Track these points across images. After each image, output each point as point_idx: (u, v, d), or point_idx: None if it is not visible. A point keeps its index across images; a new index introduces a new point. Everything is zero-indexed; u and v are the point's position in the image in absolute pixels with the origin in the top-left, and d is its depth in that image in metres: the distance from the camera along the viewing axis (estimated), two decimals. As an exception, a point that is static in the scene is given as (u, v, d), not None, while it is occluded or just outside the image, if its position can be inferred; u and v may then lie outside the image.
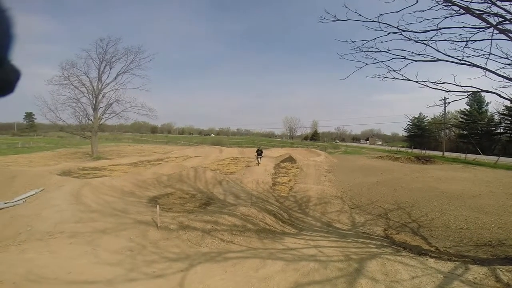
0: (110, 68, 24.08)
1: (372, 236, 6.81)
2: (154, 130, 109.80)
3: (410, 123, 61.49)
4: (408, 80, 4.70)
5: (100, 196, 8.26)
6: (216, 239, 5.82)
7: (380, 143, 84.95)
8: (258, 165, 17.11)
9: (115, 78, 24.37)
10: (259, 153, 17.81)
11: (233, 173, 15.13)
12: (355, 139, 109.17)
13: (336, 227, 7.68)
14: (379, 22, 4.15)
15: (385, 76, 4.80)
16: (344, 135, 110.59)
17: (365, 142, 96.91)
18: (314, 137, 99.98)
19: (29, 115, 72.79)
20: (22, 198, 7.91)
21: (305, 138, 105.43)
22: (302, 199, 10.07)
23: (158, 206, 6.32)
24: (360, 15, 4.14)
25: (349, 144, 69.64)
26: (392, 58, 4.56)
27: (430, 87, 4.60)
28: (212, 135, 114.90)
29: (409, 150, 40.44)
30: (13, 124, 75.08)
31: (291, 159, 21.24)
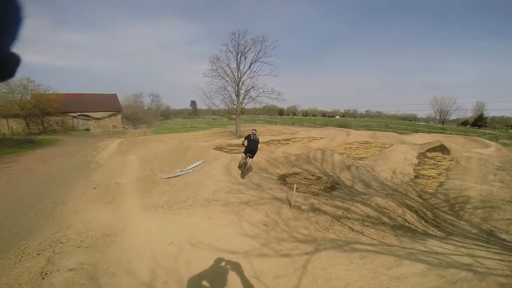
0: (245, 58, 26.93)
1: (560, 254, 4.78)
2: (281, 112, 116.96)
3: None
4: None
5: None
6: (345, 227, 5.68)
7: None
8: (243, 172, 8.84)
9: (249, 66, 27.21)
10: (251, 147, 8.72)
11: (363, 158, 14.00)
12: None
13: (501, 237, 5.99)
14: None
15: None
16: (530, 121, 78.33)
17: None
18: (478, 122, 75.73)
19: (193, 103, 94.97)
20: (192, 167, 10.31)
21: (464, 123, 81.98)
22: (455, 198, 8.14)
23: (295, 186, 6.75)
24: None
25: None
26: None
27: None
28: (337, 117, 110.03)
29: None
30: (184, 110, 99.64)
31: (442, 149, 17.22)
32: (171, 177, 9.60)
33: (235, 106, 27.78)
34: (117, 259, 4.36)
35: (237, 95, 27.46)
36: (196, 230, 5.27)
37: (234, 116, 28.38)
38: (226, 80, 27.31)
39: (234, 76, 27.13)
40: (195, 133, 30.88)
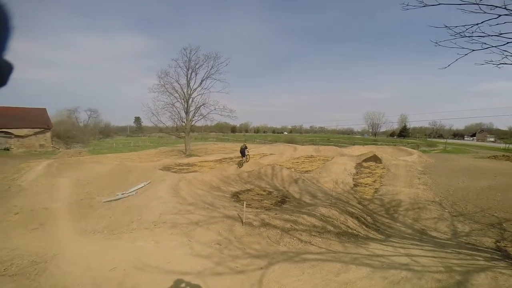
0: (196, 75, 26.62)
1: (479, 248, 5.77)
2: (233, 129, 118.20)
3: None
4: (538, 65, 3.70)
5: (193, 189, 9.43)
6: (295, 238, 5.89)
7: (492, 139, 69.04)
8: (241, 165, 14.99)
9: (200, 83, 26.93)
10: (240, 152, 16.87)
11: (308, 171, 14.85)
12: (457, 135, 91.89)
13: (432, 235, 6.77)
14: (478, 4, 3.42)
15: (501, 62, 3.89)
16: (442, 131, 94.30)
17: (471, 138, 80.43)
18: (402, 133, 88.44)
19: (137, 119, 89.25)
20: (135, 190, 9.66)
21: (392, 134, 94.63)
22: (390, 203, 9.13)
23: (244, 203, 6.82)
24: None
25: (449, 141, 58.90)
26: (508, 42, 3.68)
27: None
28: (285, 133, 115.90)
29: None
30: (126, 127, 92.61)
31: (375, 158, 19.42)
32: (111, 201, 8.83)
33: (184, 124, 26.96)
34: (51, 286, 3.92)
35: (186, 112, 26.73)
36: (142, 254, 4.90)
37: (183, 134, 27.39)
38: (175, 96, 26.52)
39: (184, 93, 26.47)
40: (139, 152, 28.87)
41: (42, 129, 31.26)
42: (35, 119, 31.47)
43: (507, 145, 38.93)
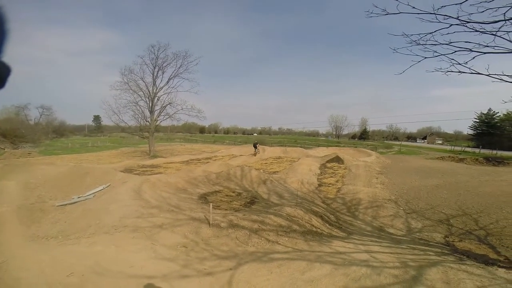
0: (163, 73, 25.76)
1: (430, 243, 6.27)
2: (202, 130, 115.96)
3: (477, 120, 54.28)
4: (478, 73, 4.12)
5: (158, 192, 9.02)
6: (262, 239, 5.90)
7: (440, 142, 76.71)
8: (255, 155, 24.11)
9: (167, 82, 26.10)
10: (254, 145, 25.68)
11: (276, 172, 15.10)
12: (411, 138, 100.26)
13: (389, 232, 7.21)
14: (435, 13, 3.74)
15: (448, 70, 4.29)
16: (397, 134, 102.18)
17: (422, 141, 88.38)
18: (363, 136, 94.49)
19: (96, 118, 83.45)
20: (93, 193, 9.00)
21: (353, 137, 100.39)
22: (351, 201, 9.61)
23: (211, 204, 6.69)
24: (413, 7, 3.80)
25: (403, 143, 63.99)
26: (456, 51, 4.05)
27: (507, 81, 3.98)
28: (255, 134, 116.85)
29: (477, 150, 35.66)
30: (84, 126, 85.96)
31: (338, 159, 20.39)
32: (66, 204, 8.12)
33: (148, 123, 25.78)
34: (2, 293, 3.50)
35: (151, 111, 25.61)
36: (101, 259, 4.57)
37: (146, 134, 26.18)
38: (139, 95, 25.32)
39: (149, 91, 25.39)
40: (98, 153, 26.97)
41: (-17, 127, 27.76)
42: (-27, 116, 27.80)
43: (453, 147, 43.42)
